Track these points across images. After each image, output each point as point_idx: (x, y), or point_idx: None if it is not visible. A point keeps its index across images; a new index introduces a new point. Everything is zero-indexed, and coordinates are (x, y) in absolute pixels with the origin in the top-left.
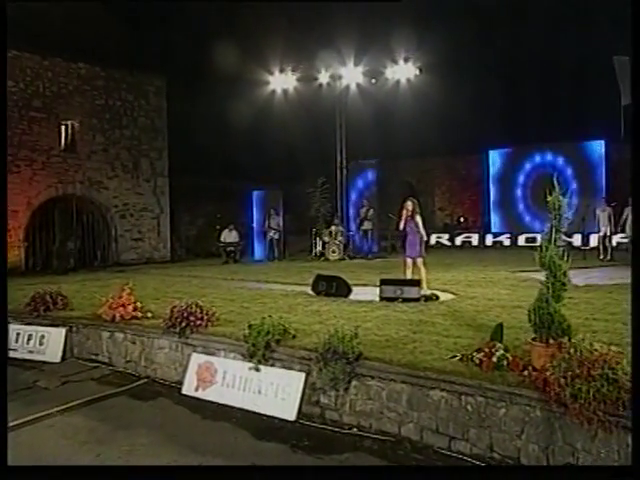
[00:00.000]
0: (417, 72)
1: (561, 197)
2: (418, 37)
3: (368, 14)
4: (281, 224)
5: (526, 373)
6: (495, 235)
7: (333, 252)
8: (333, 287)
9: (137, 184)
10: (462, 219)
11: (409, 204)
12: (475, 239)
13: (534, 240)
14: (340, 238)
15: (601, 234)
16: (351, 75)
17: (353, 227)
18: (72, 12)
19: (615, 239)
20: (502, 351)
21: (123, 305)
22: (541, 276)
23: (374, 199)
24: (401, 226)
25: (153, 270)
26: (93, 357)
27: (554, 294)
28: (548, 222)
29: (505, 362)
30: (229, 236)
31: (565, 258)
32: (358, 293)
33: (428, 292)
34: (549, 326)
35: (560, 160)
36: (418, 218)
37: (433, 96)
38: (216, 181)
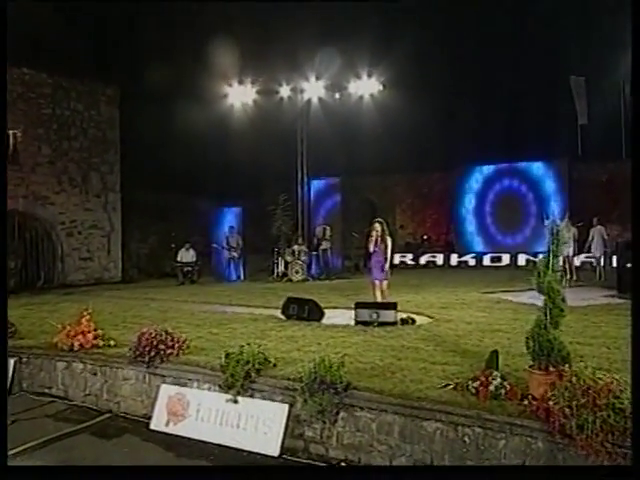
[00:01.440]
0: (381, 87)
1: (559, 221)
2: (382, 51)
3: (331, 26)
4: (241, 243)
5: (526, 402)
6: (460, 255)
7: (296, 272)
8: (305, 311)
9: (86, 199)
10: (426, 237)
11: (377, 226)
12: (440, 259)
13: (499, 260)
14: (303, 258)
15: (565, 254)
16: (313, 89)
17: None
18: (16, 13)
19: (577, 259)
20: (499, 379)
21: (83, 333)
22: (511, 297)
23: (337, 217)
24: (370, 249)
25: (105, 292)
26: (46, 391)
27: (552, 320)
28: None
29: (503, 391)
30: (186, 255)
31: (563, 283)
32: (329, 316)
33: (404, 315)
34: (549, 353)
35: (524, 179)
36: (388, 240)
37: (397, 112)
38: (169, 197)
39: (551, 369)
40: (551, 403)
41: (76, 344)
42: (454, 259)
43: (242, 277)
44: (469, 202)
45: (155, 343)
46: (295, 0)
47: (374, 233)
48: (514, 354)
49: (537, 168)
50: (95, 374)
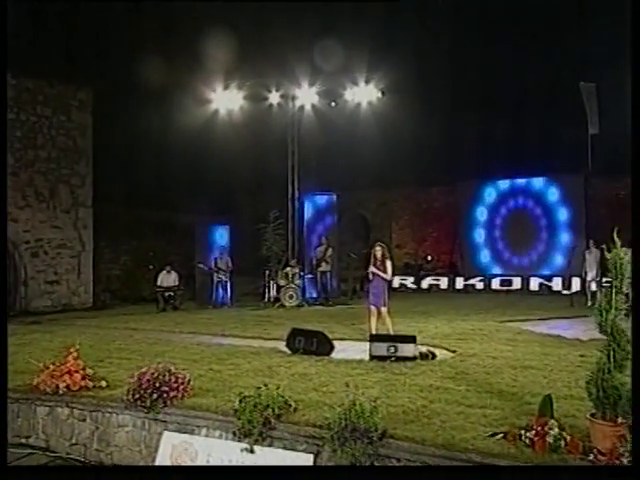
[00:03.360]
0: (379, 94)
1: (623, 252)
2: (381, 55)
3: (324, 29)
4: (230, 265)
5: (592, 457)
6: (466, 278)
7: (290, 297)
8: (313, 344)
9: (54, 216)
10: (429, 258)
11: (378, 249)
12: (444, 282)
13: (509, 283)
14: (297, 281)
15: (588, 278)
16: (305, 95)
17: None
18: None
19: (595, 284)
20: (557, 429)
21: (69, 372)
22: (531, 327)
23: (332, 236)
24: (370, 275)
25: (77, 321)
26: (23, 441)
27: (617, 364)
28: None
29: (562, 442)
30: (167, 279)
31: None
32: (337, 350)
33: (423, 349)
34: (615, 402)
35: (533, 196)
36: (388, 264)
37: (397, 121)
38: (144, 212)
39: (620, 420)
40: (625, 461)
41: (62, 386)
42: (459, 282)
43: (229, 302)
44: (474, 220)
45: (157, 385)
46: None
47: (372, 259)
48: (558, 396)
49: (547, 184)
50: (84, 420)
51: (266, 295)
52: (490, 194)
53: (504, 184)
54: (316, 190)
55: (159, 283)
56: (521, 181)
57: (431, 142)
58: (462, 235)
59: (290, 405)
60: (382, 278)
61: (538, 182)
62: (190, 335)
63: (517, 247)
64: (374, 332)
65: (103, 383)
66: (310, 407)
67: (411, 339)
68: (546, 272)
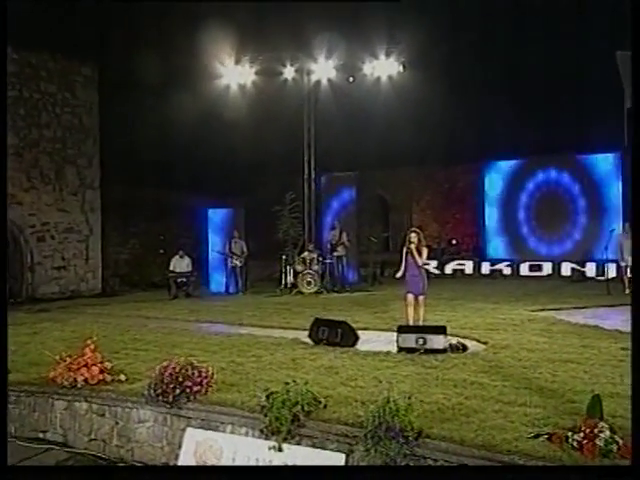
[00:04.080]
0: (400, 68)
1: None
2: (402, 26)
3: None
4: (245, 249)
5: None
6: (492, 262)
7: (308, 284)
8: (337, 335)
9: (60, 198)
10: (454, 242)
11: (413, 236)
12: (469, 267)
13: (539, 269)
14: (316, 267)
15: (623, 264)
16: (322, 70)
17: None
18: None
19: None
20: (608, 432)
21: (86, 365)
22: (565, 316)
23: (351, 219)
24: (402, 267)
25: (87, 309)
26: (40, 436)
27: None
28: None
29: (614, 447)
30: (180, 264)
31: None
32: (362, 340)
33: (453, 340)
34: None
35: (566, 175)
36: (424, 251)
37: (418, 96)
38: (153, 193)
39: None
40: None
41: (80, 379)
42: (485, 267)
43: (243, 289)
44: (501, 200)
45: (180, 379)
46: None
47: (409, 245)
48: (603, 394)
49: (580, 161)
50: (103, 415)
51: (283, 281)
52: (519, 173)
53: (533, 162)
54: (333, 169)
55: (172, 268)
56: (552, 159)
57: (455, 118)
58: (486, 217)
59: (320, 401)
60: (418, 265)
61: (571, 160)
62: (207, 324)
63: (547, 229)
64: (412, 322)
65: (122, 377)
66: (340, 403)
67: (441, 330)
68: (586, 257)
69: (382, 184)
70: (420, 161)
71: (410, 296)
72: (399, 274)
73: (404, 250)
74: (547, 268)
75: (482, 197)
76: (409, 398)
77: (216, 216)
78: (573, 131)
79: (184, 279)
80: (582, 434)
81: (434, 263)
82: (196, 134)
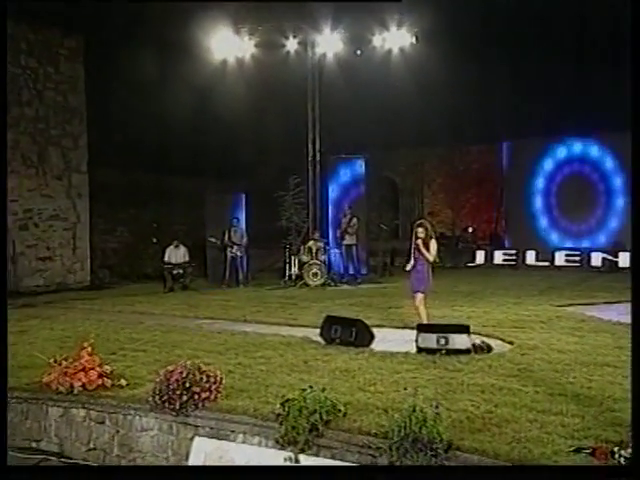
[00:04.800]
0: (413, 40)
1: None
2: None
3: None
4: (245, 238)
5: None
6: (508, 252)
7: (314, 275)
8: (352, 334)
9: (44, 183)
10: (470, 230)
11: (420, 231)
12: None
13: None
14: (322, 257)
15: None
16: (328, 42)
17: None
18: None
19: None
20: None
21: (84, 369)
22: (597, 312)
23: (361, 205)
24: (411, 262)
25: (77, 303)
26: (34, 445)
27: None
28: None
29: None
30: (176, 254)
31: None
32: (377, 339)
33: (477, 340)
34: None
35: (595, 152)
36: (432, 244)
37: (431, 72)
38: (145, 176)
39: None
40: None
41: (77, 385)
42: (499, 256)
43: (247, 281)
44: (522, 184)
45: (188, 385)
46: None
47: (419, 237)
48: None
49: (610, 143)
50: (102, 423)
51: (287, 272)
52: (542, 154)
53: (557, 143)
54: (340, 150)
55: (167, 259)
56: (578, 140)
57: (471, 95)
58: (506, 202)
59: (339, 409)
60: (427, 260)
61: (598, 141)
62: (208, 321)
63: (576, 217)
64: (426, 322)
65: (123, 382)
66: (360, 411)
67: (464, 329)
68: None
69: (391, 166)
70: (433, 141)
71: (420, 295)
72: (408, 267)
73: (412, 245)
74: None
75: (500, 180)
76: (437, 407)
77: (213, 201)
78: (603, 107)
79: (180, 270)
80: (630, 450)
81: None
82: (191, 113)
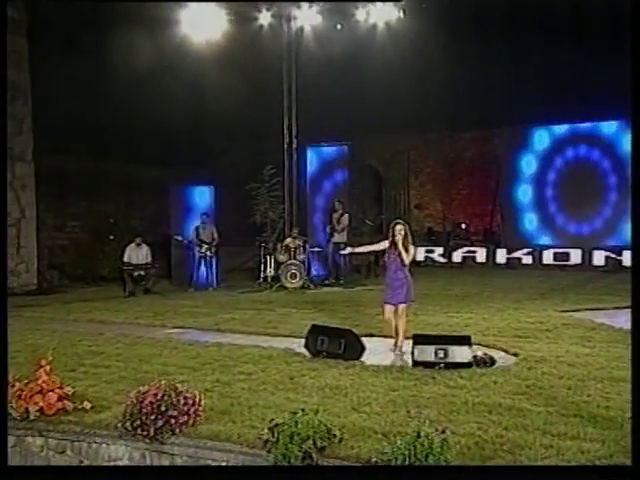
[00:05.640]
0: (400, 14)
1: None
2: None
3: None
4: (216, 236)
5: None
6: (511, 250)
7: (292, 277)
8: (340, 346)
9: None
10: (464, 225)
11: (400, 228)
12: (482, 255)
13: (566, 257)
14: (301, 256)
15: None
16: (305, 15)
17: (318, 239)
18: None
19: None
20: None
21: (41, 391)
22: (606, 319)
23: (344, 199)
24: (386, 257)
25: (23, 311)
26: None
27: None
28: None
29: None
30: (137, 254)
31: None
32: (367, 350)
33: (478, 352)
34: None
35: (601, 144)
36: (411, 249)
37: (419, 49)
38: (99, 164)
39: None
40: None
41: (33, 410)
42: (502, 255)
43: (215, 284)
44: (519, 174)
45: (163, 408)
46: None
47: (396, 238)
48: None
49: (618, 128)
50: (63, 452)
51: (262, 274)
52: (542, 142)
53: (560, 129)
54: (320, 137)
55: (127, 259)
56: (583, 125)
57: (464, 76)
58: (502, 195)
59: (335, 435)
60: (404, 265)
61: (606, 126)
62: (177, 330)
63: (576, 210)
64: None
65: (86, 404)
66: (357, 436)
67: (465, 340)
68: (612, 243)
69: (375, 153)
70: (421, 126)
71: (389, 308)
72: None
73: (386, 243)
74: (576, 256)
75: (496, 170)
76: (443, 432)
77: (178, 194)
78: (608, 92)
79: (142, 272)
80: None
81: (439, 250)
82: (153, 93)
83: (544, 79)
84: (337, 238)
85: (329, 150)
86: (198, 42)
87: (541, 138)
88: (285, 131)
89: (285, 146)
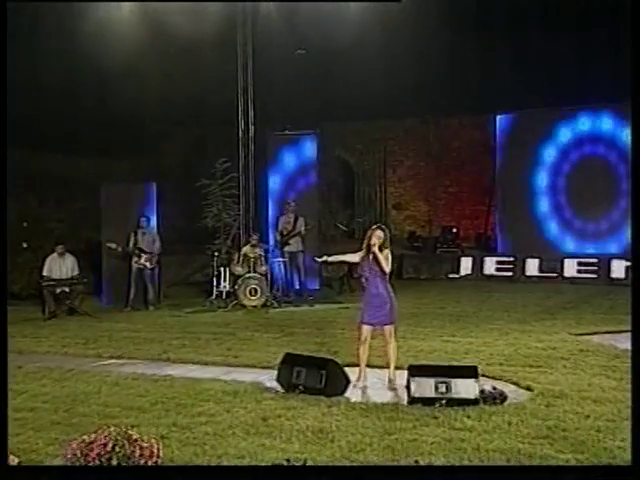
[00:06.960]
0: None
1: None
2: None
3: None
4: (158, 244)
5: None
6: (502, 260)
7: (252, 293)
8: (321, 379)
9: None
10: (454, 230)
11: (379, 234)
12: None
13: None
14: (263, 268)
15: None
16: None
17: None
18: None
19: None
20: None
21: None
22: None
23: (310, 199)
24: (363, 270)
25: None
26: None
27: None
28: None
29: None
30: (60, 266)
31: None
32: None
33: (487, 386)
34: None
35: (610, 133)
36: (389, 256)
37: (399, 23)
38: (10, 155)
39: None
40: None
41: None
42: (491, 265)
43: (156, 302)
44: (517, 170)
45: (115, 462)
46: None
47: (373, 244)
48: None
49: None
50: None
51: (215, 289)
52: (546, 129)
53: (566, 115)
54: (281, 124)
55: (47, 273)
56: (591, 112)
57: (452, 53)
58: (498, 193)
59: None
60: (385, 278)
61: (615, 113)
62: (116, 361)
63: (591, 214)
64: (362, 378)
65: (12, 459)
66: None
67: (471, 371)
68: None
69: (345, 143)
70: (400, 111)
71: (366, 329)
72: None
73: (362, 253)
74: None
75: (491, 163)
76: None
77: (114, 193)
78: (615, 76)
79: (66, 289)
80: None
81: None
82: (79, 70)
83: (543, 62)
84: (293, 246)
85: (293, 139)
86: (137, 15)
87: (546, 123)
88: (240, 116)
89: (240, 134)
